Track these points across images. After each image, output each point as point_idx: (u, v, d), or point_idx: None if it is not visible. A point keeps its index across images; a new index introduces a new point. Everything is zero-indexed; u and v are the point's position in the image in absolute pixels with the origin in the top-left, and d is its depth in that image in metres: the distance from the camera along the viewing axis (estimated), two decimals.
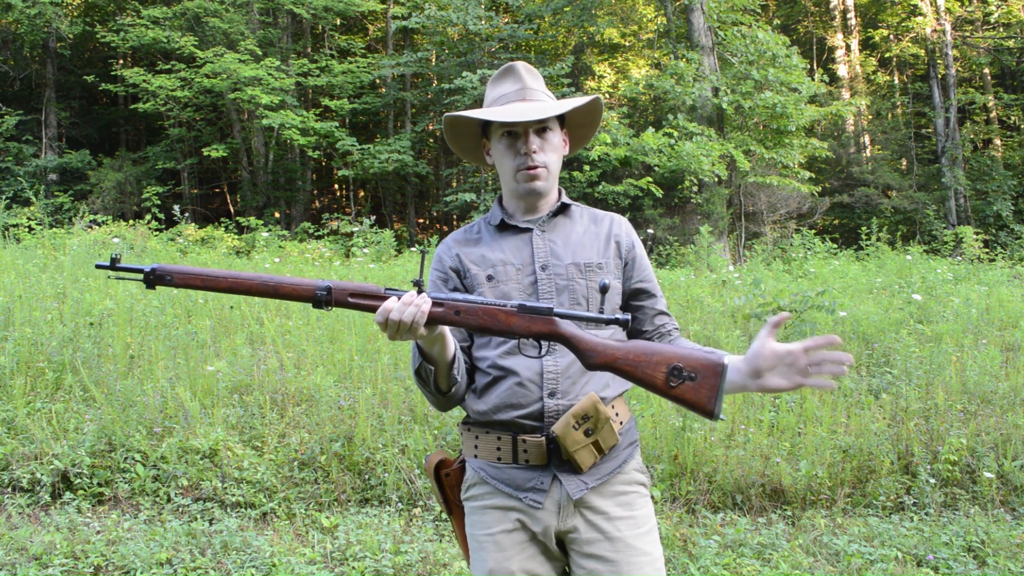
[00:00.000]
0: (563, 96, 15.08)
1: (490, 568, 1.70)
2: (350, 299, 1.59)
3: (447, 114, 1.83)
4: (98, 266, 1.61)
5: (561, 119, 1.83)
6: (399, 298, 1.54)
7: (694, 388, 1.50)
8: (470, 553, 1.78)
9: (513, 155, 1.76)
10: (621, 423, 1.74)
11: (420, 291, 1.54)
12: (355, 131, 18.73)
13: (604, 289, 1.57)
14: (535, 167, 1.74)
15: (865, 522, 3.66)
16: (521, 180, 1.76)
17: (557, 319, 1.56)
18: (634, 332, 1.85)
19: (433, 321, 1.56)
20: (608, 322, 1.56)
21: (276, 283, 1.59)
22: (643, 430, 4.04)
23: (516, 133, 1.76)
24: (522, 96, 1.78)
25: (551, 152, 1.78)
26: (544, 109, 1.73)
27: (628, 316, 1.57)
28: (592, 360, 1.57)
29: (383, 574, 3.23)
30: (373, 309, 1.56)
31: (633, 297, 1.83)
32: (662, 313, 1.84)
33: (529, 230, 1.79)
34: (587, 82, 19.31)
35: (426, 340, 1.60)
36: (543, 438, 1.68)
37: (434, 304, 1.55)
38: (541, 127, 1.75)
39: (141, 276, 1.60)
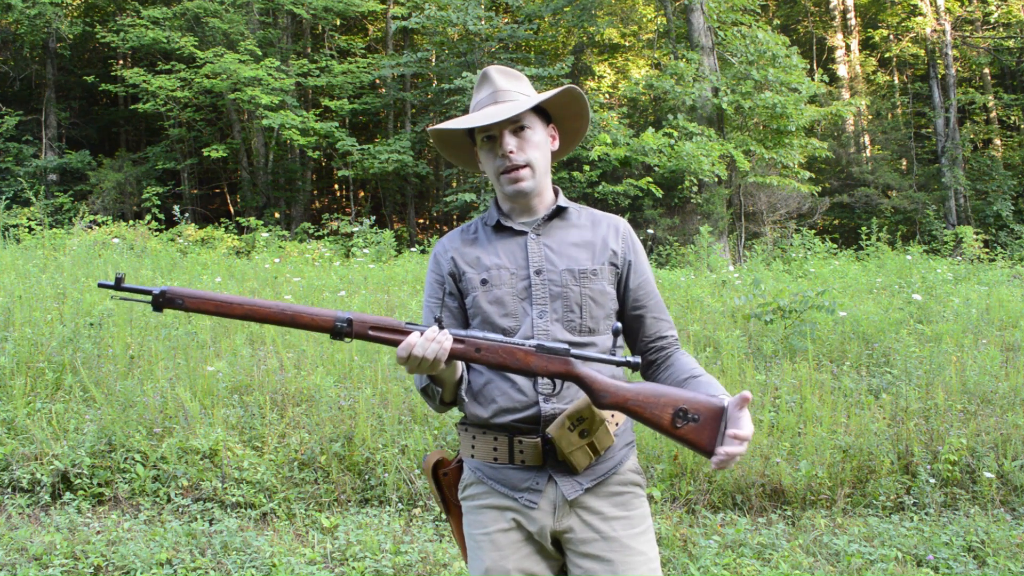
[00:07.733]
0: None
1: (487, 567, 1.70)
2: (370, 332, 1.59)
3: (430, 128, 1.82)
4: (101, 285, 1.56)
5: (546, 116, 1.80)
6: (421, 333, 1.55)
7: (696, 430, 1.57)
8: (467, 552, 1.78)
9: (493, 158, 1.75)
10: (616, 424, 1.74)
11: (441, 326, 1.57)
12: (355, 131, 18.73)
13: (617, 332, 1.62)
14: (515, 167, 1.73)
15: (865, 522, 3.66)
16: (505, 183, 1.75)
17: (573, 360, 1.60)
18: (632, 343, 1.84)
19: (453, 357, 1.59)
20: (619, 364, 1.61)
21: (294, 312, 1.57)
22: (643, 430, 4.04)
23: (493, 136, 1.74)
24: (494, 99, 1.75)
25: (532, 149, 1.74)
26: (509, 108, 1.70)
27: (639, 359, 1.62)
28: (604, 400, 1.60)
29: (383, 574, 3.23)
30: (393, 343, 1.57)
31: (630, 305, 1.81)
32: (658, 320, 1.82)
33: (524, 233, 1.77)
34: (587, 82, 19.31)
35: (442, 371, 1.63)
36: (539, 439, 1.68)
37: (455, 341, 1.58)
38: (517, 126, 1.73)
39: (149, 298, 1.56)
